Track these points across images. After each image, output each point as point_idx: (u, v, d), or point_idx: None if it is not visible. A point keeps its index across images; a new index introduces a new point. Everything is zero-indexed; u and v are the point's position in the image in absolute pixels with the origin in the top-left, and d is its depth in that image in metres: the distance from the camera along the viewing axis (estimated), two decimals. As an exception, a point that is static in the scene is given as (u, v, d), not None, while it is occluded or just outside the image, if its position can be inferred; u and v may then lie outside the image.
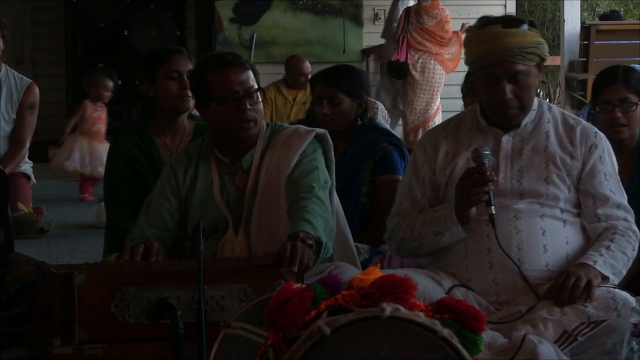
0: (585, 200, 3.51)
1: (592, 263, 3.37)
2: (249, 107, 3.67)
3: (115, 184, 4.21)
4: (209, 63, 3.75)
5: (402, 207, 3.65)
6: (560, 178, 3.49)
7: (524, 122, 3.55)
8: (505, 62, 3.44)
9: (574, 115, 3.68)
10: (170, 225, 3.77)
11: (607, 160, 3.55)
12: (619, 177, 3.59)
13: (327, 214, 3.63)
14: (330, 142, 3.86)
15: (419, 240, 3.55)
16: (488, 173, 3.38)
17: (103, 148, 8.48)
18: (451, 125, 3.66)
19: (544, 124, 3.56)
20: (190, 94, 4.16)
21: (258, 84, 3.75)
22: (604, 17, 11.66)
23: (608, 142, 3.60)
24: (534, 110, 3.57)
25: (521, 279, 3.41)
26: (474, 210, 3.42)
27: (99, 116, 8.97)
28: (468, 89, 4.74)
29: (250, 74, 3.72)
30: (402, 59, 10.65)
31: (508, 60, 3.43)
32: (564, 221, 3.49)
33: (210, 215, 3.74)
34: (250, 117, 3.69)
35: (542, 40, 3.52)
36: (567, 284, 3.29)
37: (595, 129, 3.60)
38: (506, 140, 3.54)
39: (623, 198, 3.55)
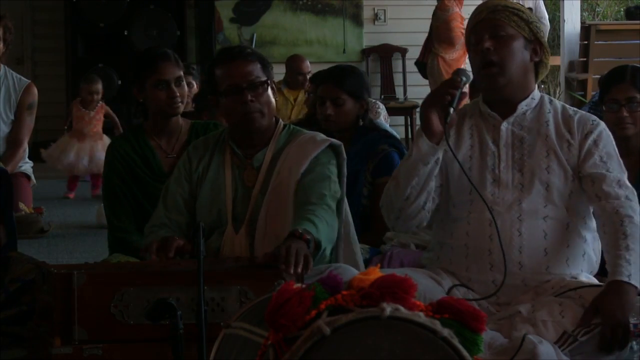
0: (586, 185, 3.47)
1: (626, 279, 3.26)
2: (250, 98, 3.68)
3: (113, 186, 4.24)
4: (216, 58, 3.81)
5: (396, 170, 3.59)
6: (561, 167, 3.48)
7: (521, 109, 3.53)
8: (487, 19, 3.49)
9: (575, 108, 3.66)
10: (186, 211, 3.80)
11: (602, 145, 3.51)
12: (620, 160, 3.54)
13: (334, 222, 3.63)
14: (344, 155, 3.83)
15: (395, 178, 3.49)
16: (460, 80, 3.38)
17: (87, 146, 8.77)
18: (459, 115, 3.64)
19: (545, 113, 3.55)
20: (179, 99, 4.24)
21: (269, 76, 3.76)
22: (628, 13, 11.67)
23: (607, 129, 3.57)
24: (534, 99, 3.56)
25: (521, 282, 3.41)
26: (437, 121, 3.35)
27: (81, 116, 9.13)
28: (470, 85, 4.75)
29: (257, 66, 3.73)
30: (420, 59, 10.72)
31: (490, 17, 3.48)
32: (567, 224, 3.46)
33: (217, 207, 3.75)
34: (252, 108, 3.69)
35: (533, 16, 3.54)
36: (613, 339, 3.20)
37: (594, 117, 3.57)
38: (505, 127, 3.52)
39: (623, 175, 3.49)
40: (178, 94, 4.24)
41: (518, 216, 3.44)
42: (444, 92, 3.36)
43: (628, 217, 3.39)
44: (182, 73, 4.31)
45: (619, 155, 3.55)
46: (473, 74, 3.53)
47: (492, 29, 3.47)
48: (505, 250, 3.37)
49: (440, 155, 3.41)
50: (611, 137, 3.57)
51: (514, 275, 3.41)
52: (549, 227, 3.45)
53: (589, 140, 3.50)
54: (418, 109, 11.48)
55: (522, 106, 3.54)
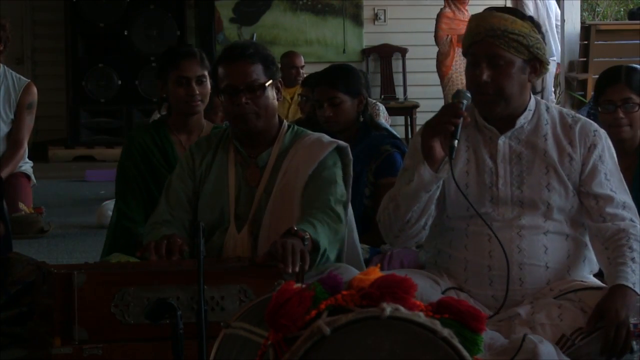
0: (587, 201, 3.42)
1: (631, 285, 3.25)
2: (245, 100, 3.67)
3: (128, 174, 4.28)
4: (221, 56, 3.81)
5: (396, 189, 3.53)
6: (562, 184, 3.42)
7: (519, 123, 3.45)
8: (486, 43, 3.36)
9: (573, 113, 3.59)
10: (189, 207, 3.80)
11: (607, 159, 3.46)
12: (621, 174, 3.50)
13: (337, 225, 3.61)
14: (350, 156, 3.81)
15: (395, 199, 3.41)
16: (461, 107, 3.28)
17: None
18: None
19: (542, 126, 3.47)
20: (199, 97, 4.29)
21: (272, 77, 3.74)
22: (631, 14, 11.67)
23: (608, 139, 3.51)
24: (531, 110, 3.47)
25: (522, 297, 3.38)
26: (439, 149, 3.28)
27: None
28: None
29: (258, 67, 3.71)
30: None
31: (489, 41, 3.35)
32: (567, 235, 3.43)
33: (220, 205, 3.74)
34: (247, 110, 3.69)
35: (537, 36, 3.40)
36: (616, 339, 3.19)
37: (595, 126, 3.50)
38: (502, 141, 3.45)
39: (627, 196, 3.46)
40: (198, 92, 4.29)
41: (518, 232, 3.39)
42: (446, 120, 3.27)
43: (634, 235, 3.38)
44: (206, 72, 4.34)
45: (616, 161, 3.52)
46: (469, 89, 3.41)
47: (490, 58, 3.35)
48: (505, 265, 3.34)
49: (441, 182, 3.36)
50: (612, 146, 3.52)
51: (515, 292, 3.38)
52: (549, 241, 3.41)
53: (594, 156, 3.43)
54: (418, 109, 11.49)
55: (520, 120, 3.46)
